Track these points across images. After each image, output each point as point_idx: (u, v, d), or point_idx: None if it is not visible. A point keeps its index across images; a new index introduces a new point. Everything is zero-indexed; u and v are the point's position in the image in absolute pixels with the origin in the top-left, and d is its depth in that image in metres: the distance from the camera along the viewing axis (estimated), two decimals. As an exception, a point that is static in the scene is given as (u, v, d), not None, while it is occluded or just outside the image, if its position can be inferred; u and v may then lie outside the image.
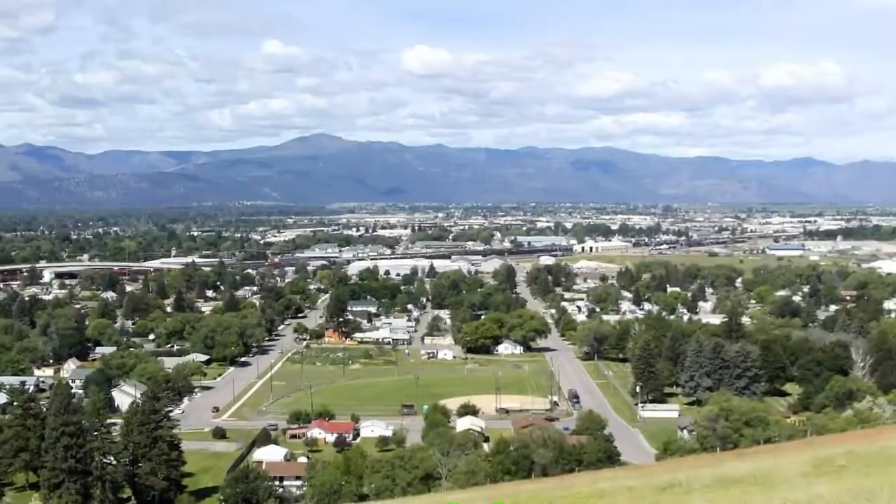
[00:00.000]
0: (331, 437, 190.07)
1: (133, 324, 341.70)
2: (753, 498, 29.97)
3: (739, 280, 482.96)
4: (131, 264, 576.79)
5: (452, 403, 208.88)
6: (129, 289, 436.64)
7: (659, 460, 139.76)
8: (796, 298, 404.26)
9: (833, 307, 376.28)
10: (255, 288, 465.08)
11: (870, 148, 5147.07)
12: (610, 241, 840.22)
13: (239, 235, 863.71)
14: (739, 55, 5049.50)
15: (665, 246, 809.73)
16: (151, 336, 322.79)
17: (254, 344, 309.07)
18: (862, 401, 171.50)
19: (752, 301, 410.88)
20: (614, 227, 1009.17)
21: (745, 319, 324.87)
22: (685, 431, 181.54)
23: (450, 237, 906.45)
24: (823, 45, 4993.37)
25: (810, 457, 40.92)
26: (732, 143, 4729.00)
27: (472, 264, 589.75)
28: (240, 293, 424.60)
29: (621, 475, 57.31)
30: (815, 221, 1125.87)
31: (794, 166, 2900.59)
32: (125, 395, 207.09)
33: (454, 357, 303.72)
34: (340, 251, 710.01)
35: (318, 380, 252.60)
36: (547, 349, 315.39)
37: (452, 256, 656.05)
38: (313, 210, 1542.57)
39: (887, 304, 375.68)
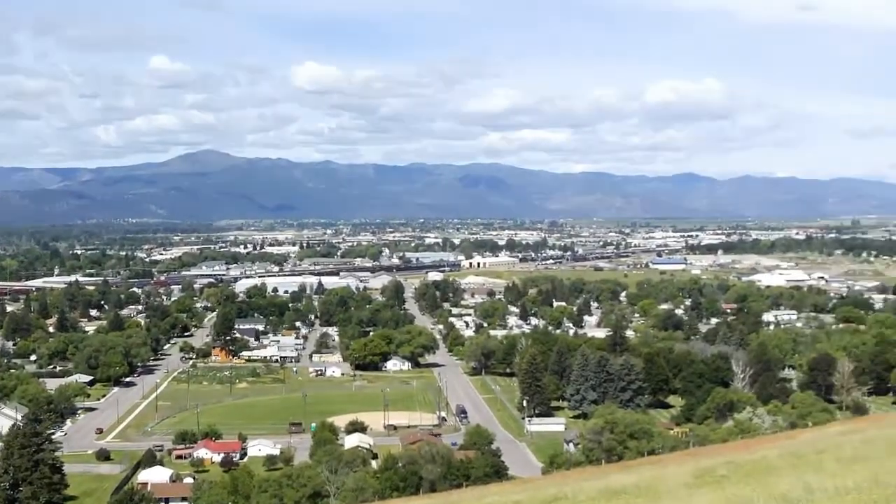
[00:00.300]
0: (217, 457, 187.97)
1: (14, 344, 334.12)
2: (636, 509, 30.56)
3: (624, 294, 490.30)
4: (12, 283, 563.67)
5: (340, 421, 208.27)
6: (9, 309, 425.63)
7: (546, 474, 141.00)
8: (679, 312, 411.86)
9: (714, 320, 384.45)
10: (140, 307, 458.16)
11: (750, 163, 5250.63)
12: (497, 256, 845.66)
13: (124, 253, 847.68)
14: (624, 72, 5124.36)
15: (551, 261, 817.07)
16: (33, 357, 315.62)
17: (139, 364, 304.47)
18: (742, 411, 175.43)
19: (636, 315, 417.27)
20: (501, 243, 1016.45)
21: (630, 333, 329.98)
22: (571, 444, 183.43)
23: (338, 254, 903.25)
24: (705, 62, 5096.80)
25: (692, 467, 41.77)
26: (617, 158, 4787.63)
27: (361, 281, 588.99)
28: (125, 312, 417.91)
29: (508, 489, 57.82)
30: (697, 236, 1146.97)
31: (677, 182, 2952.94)
32: (5, 418, 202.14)
33: (342, 374, 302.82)
34: (228, 269, 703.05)
35: (204, 399, 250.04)
36: (435, 365, 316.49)
37: (341, 273, 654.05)
38: (200, 227, 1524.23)
39: (766, 317, 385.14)
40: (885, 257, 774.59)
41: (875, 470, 25.51)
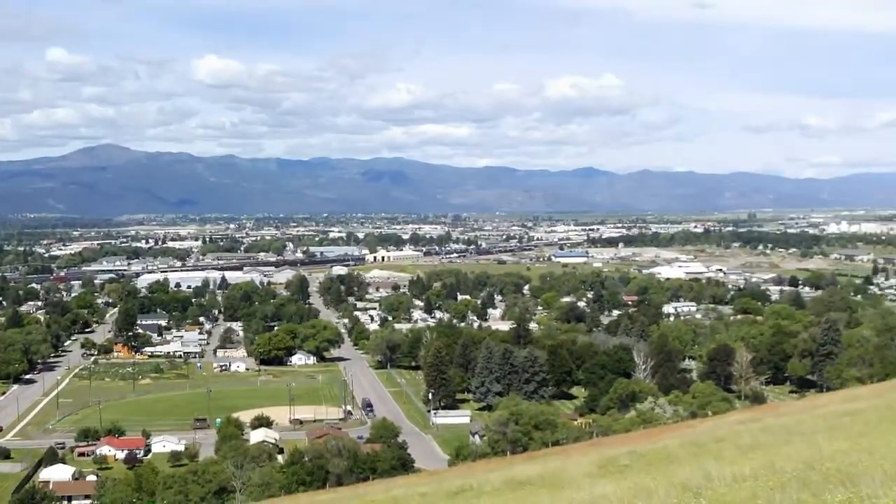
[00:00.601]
0: (121, 454, 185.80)
1: None
2: (541, 499, 31.23)
3: (527, 287, 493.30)
4: None
5: (246, 416, 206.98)
6: None
7: (451, 466, 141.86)
8: (581, 304, 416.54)
9: (616, 312, 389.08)
10: (39, 303, 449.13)
11: (648, 158, 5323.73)
12: (401, 250, 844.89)
13: (22, 249, 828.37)
14: (526, 68, 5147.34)
15: (455, 255, 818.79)
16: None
17: (39, 361, 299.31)
18: (644, 402, 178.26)
19: (540, 307, 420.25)
20: (405, 237, 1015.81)
21: (533, 325, 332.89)
22: (477, 436, 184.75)
23: (242, 248, 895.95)
24: (605, 58, 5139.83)
25: (596, 457, 42.71)
26: (519, 153, 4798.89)
27: (265, 275, 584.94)
28: (24, 308, 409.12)
29: (414, 482, 58.45)
30: (598, 229, 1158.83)
31: (578, 176, 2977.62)
32: None
33: (247, 369, 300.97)
34: (129, 264, 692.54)
35: (107, 396, 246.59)
36: (340, 359, 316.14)
37: (245, 268, 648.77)
38: (100, 222, 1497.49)
39: (667, 308, 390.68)
40: (780, 250, 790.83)
41: (771, 457, 26.45)
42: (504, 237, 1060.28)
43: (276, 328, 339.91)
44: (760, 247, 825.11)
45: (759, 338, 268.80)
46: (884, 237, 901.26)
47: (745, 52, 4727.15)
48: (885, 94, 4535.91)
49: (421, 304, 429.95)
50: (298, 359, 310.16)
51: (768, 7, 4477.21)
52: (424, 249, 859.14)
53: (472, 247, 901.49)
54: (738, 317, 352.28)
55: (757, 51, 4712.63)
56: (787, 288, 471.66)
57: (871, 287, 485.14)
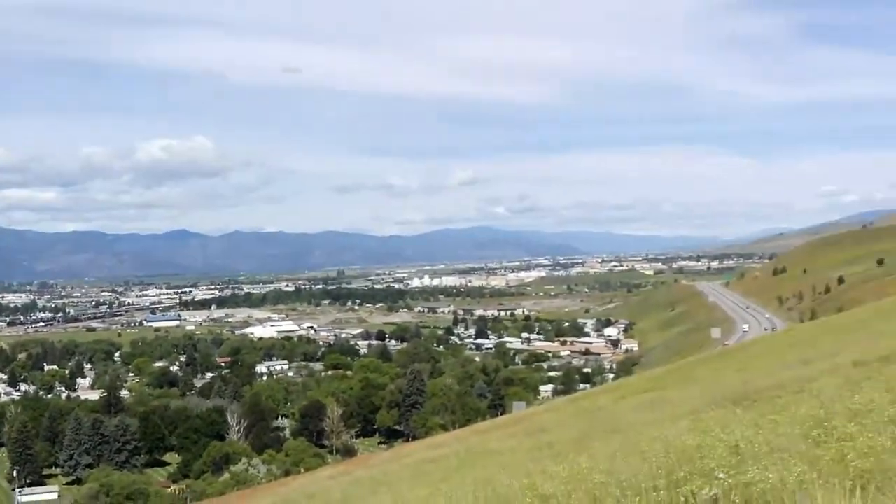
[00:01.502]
0: None
1: None
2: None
3: (118, 354, 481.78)
4: None
5: None
6: None
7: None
8: (174, 368, 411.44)
9: (209, 374, 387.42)
10: None
11: (240, 219, 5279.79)
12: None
13: None
14: (115, 130, 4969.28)
15: (42, 323, 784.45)
16: None
17: None
18: (238, 463, 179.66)
19: (132, 374, 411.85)
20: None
21: (125, 392, 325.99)
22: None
23: None
24: (197, 122, 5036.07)
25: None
26: (109, 217, 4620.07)
27: None
28: None
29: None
30: (191, 292, 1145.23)
31: (170, 239, 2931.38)
32: None
33: None
34: None
35: None
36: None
37: None
38: None
39: (260, 368, 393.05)
40: (368, 305, 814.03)
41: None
42: (94, 303, 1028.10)
43: None
44: (350, 303, 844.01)
45: (350, 392, 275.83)
46: (462, 289, 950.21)
47: (333, 115, 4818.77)
48: (462, 154, 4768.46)
49: (5, 377, 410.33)
50: None
51: (353, 74, 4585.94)
52: (8, 319, 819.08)
53: (59, 315, 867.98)
54: (329, 372, 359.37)
55: (344, 115, 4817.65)
56: (374, 342, 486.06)
57: (452, 337, 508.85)
